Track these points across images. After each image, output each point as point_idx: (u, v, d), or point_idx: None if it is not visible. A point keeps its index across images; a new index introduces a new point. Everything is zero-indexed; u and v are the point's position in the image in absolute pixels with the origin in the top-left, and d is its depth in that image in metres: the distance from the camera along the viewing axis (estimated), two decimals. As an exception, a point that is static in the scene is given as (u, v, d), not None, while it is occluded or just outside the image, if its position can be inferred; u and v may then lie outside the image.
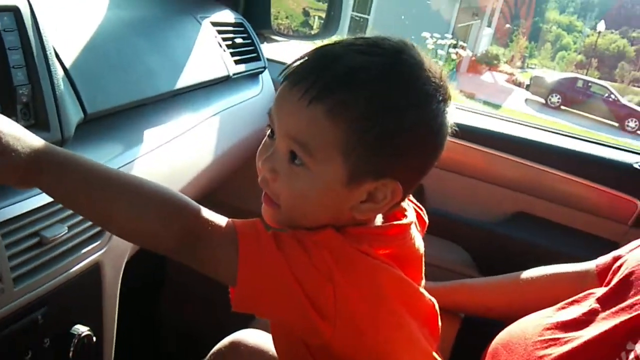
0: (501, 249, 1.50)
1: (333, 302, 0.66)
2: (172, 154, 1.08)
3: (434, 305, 0.81)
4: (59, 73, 0.82)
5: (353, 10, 20.07)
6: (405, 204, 0.80)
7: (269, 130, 0.73)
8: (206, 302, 1.49)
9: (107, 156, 0.91)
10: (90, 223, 0.83)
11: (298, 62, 0.70)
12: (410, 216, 0.80)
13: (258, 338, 1.04)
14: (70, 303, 0.80)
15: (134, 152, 0.96)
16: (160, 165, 1.03)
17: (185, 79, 1.15)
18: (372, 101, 0.67)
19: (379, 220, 0.78)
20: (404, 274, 0.74)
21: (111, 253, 0.86)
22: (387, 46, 0.70)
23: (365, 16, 20.27)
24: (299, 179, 0.69)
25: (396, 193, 0.71)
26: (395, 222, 0.77)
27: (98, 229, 0.84)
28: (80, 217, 0.81)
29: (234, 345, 1.04)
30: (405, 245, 0.77)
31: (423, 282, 0.83)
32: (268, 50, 1.68)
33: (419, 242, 0.80)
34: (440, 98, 0.70)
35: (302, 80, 0.68)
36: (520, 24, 29.68)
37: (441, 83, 0.71)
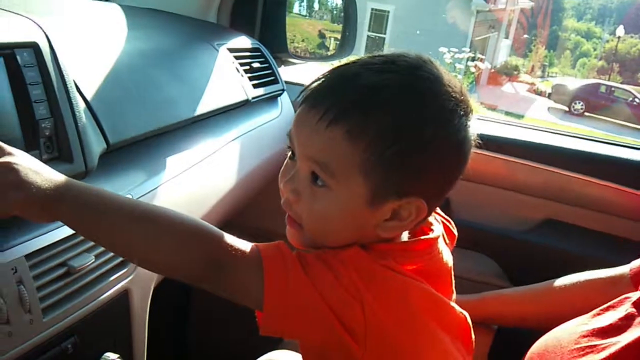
0: (531, 257, 1.48)
1: (363, 321, 0.65)
2: (194, 180, 1.09)
3: (465, 319, 0.79)
4: (80, 105, 0.83)
5: (369, 30, 20.20)
6: (432, 217, 0.80)
7: (290, 152, 0.73)
8: (234, 324, 1.49)
9: (130, 185, 0.92)
10: (116, 252, 0.83)
11: (315, 84, 0.70)
12: (437, 230, 0.79)
13: (288, 359, 1.04)
14: (99, 331, 0.81)
15: (157, 180, 0.97)
16: (182, 191, 1.04)
17: (205, 105, 1.16)
18: (390, 120, 0.66)
19: (405, 235, 0.77)
20: (434, 289, 0.72)
21: (138, 280, 0.87)
22: (404, 63, 0.69)
23: (382, 35, 20.37)
24: (321, 199, 0.69)
25: (421, 210, 0.70)
26: (422, 237, 0.76)
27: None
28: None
29: None
30: (433, 259, 0.76)
31: (454, 295, 0.82)
32: (287, 73, 1.69)
33: (447, 256, 0.79)
34: (462, 112, 0.70)
35: (320, 102, 0.68)
36: (538, 33, 29.55)
37: (462, 97, 0.70)
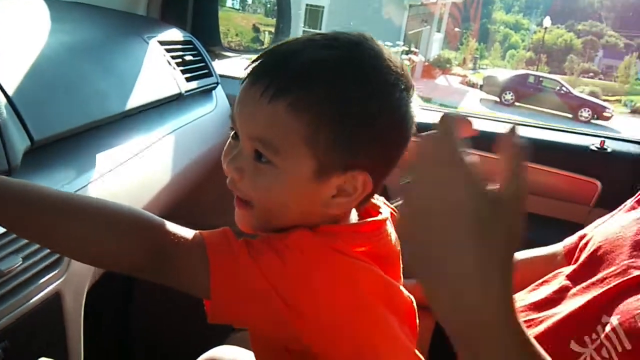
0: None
1: (310, 304, 0.65)
2: (127, 176, 1.05)
3: (412, 302, 0.80)
4: (0, 101, 0.79)
5: (304, 25, 20.23)
6: (379, 201, 0.80)
7: (232, 132, 0.72)
8: (178, 319, 1.46)
9: (59, 182, 0.88)
10: (46, 251, 0.80)
11: (257, 61, 0.69)
12: (385, 212, 0.79)
13: (234, 354, 1.02)
14: (31, 336, 0.77)
15: (86, 177, 0.94)
16: (114, 188, 1.00)
17: (136, 99, 1.13)
18: (332, 94, 0.66)
19: (354, 217, 0.77)
20: (383, 271, 0.72)
21: (71, 281, 0.83)
22: (345, 39, 0.70)
23: (317, 30, 20.39)
24: (266, 176, 0.68)
25: (366, 184, 0.70)
26: (369, 219, 0.76)
27: (55, 257, 0.81)
28: (36, 247, 0.78)
29: None
30: (382, 241, 0.76)
31: (401, 279, 0.82)
32: (222, 66, 1.67)
33: (395, 239, 0.79)
34: (403, 87, 0.70)
35: (260, 78, 0.67)
36: (469, 26, 30.27)
37: (402, 72, 0.71)
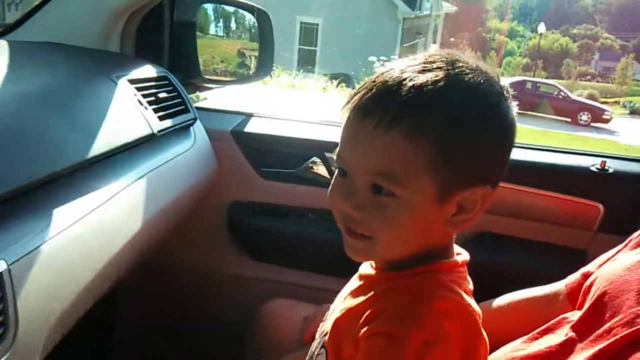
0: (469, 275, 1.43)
1: None
2: (91, 228, 0.97)
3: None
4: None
5: (300, 44, 20.30)
6: None
7: (337, 170, 0.74)
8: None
9: (12, 243, 0.79)
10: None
11: (360, 95, 0.70)
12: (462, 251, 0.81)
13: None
14: None
15: (42, 236, 0.86)
16: (77, 242, 0.92)
17: (101, 145, 1.05)
18: (448, 114, 0.67)
19: None
20: None
21: (18, 355, 0.75)
22: (441, 60, 0.70)
23: (313, 48, 20.51)
24: (389, 208, 0.69)
25: (487, 197, 0.71)
26: (462, 255, 0.79)
27: None
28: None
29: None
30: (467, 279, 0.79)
31: None
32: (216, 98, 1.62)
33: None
34: (507, 95, 0.72)
35: (371, 110, 0.68)
36: (464, 36, 30.33)
37: (499, 80, 0.72)
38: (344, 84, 13.03)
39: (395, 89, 0.67)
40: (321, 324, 0.89)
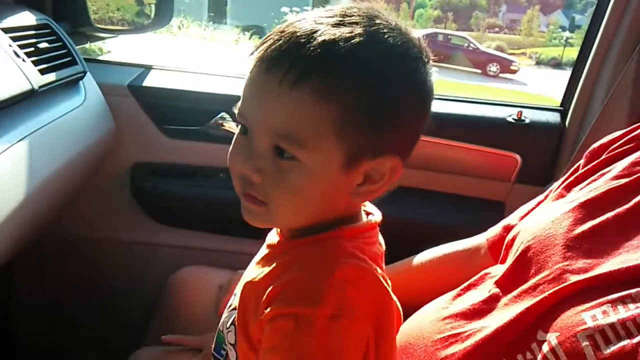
0: (384, 232, 1.39)
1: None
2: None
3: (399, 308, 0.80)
4: None
5: (209, 12, 19.65)
6: None
7: (239, 126, 0.67)
8: None
9: None
10: None
11: (266, 44, 0.63)
12: (377, 212, 0.77)
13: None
14: None
15: None
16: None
17: (-33, 104, 0.91)
18: (360, 74, 0.62)
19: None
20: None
21: None
22: (360, 14, 0.65)
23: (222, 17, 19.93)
24: (291, 173, 0.63)
25: (396, 169, 0.67)
26: (371, 218, 0.74)
27: None
28: None
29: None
30: (377, 240, 0.75)
31: None
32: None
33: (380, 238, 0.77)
34: (426, 60, 0.67)
35: (278, 63, 0.61)
36: (376, -13, 30.41)
37: (420, 44, 0.67)
38: (257, 37, 12.75)
39: (304, 42, 0.61)
40: (232, 297, 0.82)
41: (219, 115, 1.46)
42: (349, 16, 0.64)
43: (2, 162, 0.96)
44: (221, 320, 0.82)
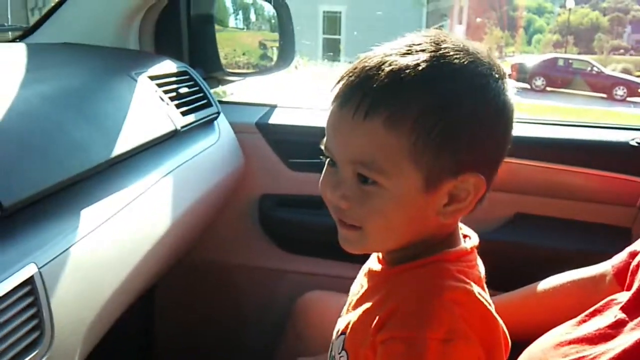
0: (505, 258, 1.38)
1: None
2: (119, 228, 0.96)
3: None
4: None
5: (324, 33, 20.20)
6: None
7: (327, 159, 0.71)
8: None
9: (34, 250, 0.78)
10: (22, 332, 0.70)
11: (340, 83, 0.68)
12: (473, 235, 0.78)
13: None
14: None
15: (70, 239, 0.85)
16: (106, 243, 0.92)
17: (123, 144, 1.04)
18: (429, 98, 0.64)
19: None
20: None
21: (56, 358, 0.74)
22: (426, 40, 0.67)
23: (337, 36, 20.40)
24: (374, 198, 0.67)
25: (479, 186, 0.68)
26: (470, 243, 0.75)
27: (34, 336, 0.72)
28: (9, 328, 0.69)
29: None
30: (477, 265, 0.76)
31: None
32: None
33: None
34: (497, 76, 0.67)
35: (350, 97, 0.66)
36: (490, 16, 29.85)
37: (491, 61, 0.68)
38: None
39: (373, 74, 0.65)
40: (338, 321, 0.85)
41: (339, 148, 1.54)
42: (417, 44, 0.66)
43: (151, 195, 1.09)
44: (331, 346, 0.84)
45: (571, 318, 0.89)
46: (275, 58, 1.90)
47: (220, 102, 1.50)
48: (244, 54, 2.31)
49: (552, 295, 1.02)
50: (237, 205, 1.58)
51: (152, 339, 1.66)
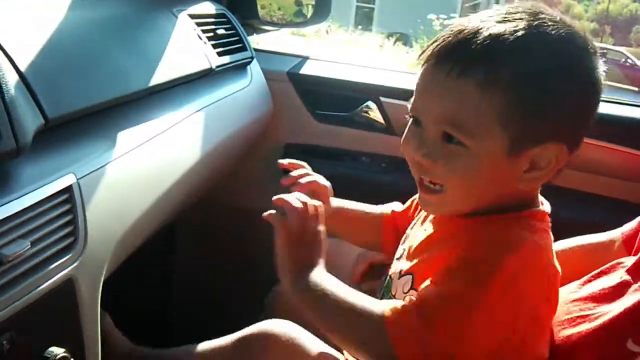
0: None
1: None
2: (152, 154, 1.01)
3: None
4: (8, 77, 0.75)
5: (357, 1, 19.95)
6: None
7: (411, 119, 0.73)
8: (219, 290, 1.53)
9: (72, 163, 0.82)
10: (57, 235, 0.75)
11: (435, 44, 0.69)
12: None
13: (284, 328, 1.00)
14: (41, 325, 0.73)
15: (106, 157, 0.89)
16: (137, 168, 0.96)
17: (161, 76, 1.08)
18: (523, 65, 0.65)
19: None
20: None
21: (85, 267, 0.79)
22: (524, 11, 0.68)
23: (371, 5, 20.14)
24: (459, 157, 0.68)
25: (562, 156, 0.69)
26: (544, 205, 0.78)
27: (68, 241, 0.77)
28: (46, 230, 0.74)
29: (261, 335, 1.01)
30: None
31: None
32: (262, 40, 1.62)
33: None
34: (592, 51, 0.69)
35: (445, 57, 0.66)
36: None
37: (586, 37, 0.69)
38: (401, 43, 12.79)
39: (470, 37, 0.66)
40: (393, 264, 0.88)
41: (365, 104, 1.56)
42: (514, 13, 0.68)
43: (183, 127, 1.13)
44: (384, 286, 0.88)
45: (576, 279, 0.91)
46: (309, 15, 1.91)
47: (255, 49, 1.52)
48: (279, 9, 2.32)
49: (560, 257, 1.05)
50: (262, 152, 1.61)
51: (172, 271, 1.71)
